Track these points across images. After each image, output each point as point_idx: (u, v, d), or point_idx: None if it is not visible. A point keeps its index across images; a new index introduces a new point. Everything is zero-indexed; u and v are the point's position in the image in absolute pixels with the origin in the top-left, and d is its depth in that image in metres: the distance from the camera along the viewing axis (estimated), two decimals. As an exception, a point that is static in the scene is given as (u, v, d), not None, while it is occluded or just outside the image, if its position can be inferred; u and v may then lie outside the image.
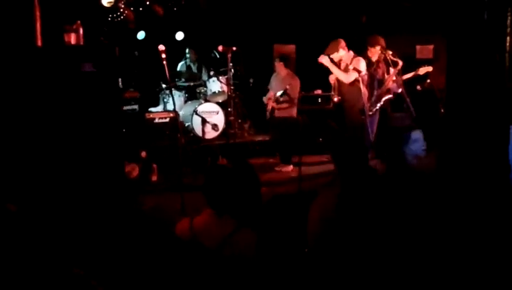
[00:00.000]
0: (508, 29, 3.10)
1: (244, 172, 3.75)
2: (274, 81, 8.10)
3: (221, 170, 3.51)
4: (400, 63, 7.19)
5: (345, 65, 7.06)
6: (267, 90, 8.17)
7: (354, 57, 7.03)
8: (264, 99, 8.11)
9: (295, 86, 7.80)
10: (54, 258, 3.18)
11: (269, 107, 7.96)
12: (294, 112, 7.88)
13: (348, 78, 6.92)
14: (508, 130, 3.30)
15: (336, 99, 7.21)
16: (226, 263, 3.03)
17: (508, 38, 3.10)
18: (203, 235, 3.15)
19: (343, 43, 7.03)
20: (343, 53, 7.01)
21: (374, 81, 7.59)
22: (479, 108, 3.22)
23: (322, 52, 7.10)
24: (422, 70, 7.88)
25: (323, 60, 6.96)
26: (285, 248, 3.78)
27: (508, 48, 3.11)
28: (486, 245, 3.34)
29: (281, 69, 7.95)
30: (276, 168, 7.89)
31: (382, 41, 7.37)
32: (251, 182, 3.73)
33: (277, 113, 7.91)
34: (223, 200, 3.25)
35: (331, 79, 7.20)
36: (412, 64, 9.05)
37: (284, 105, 7.77)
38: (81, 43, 5.20)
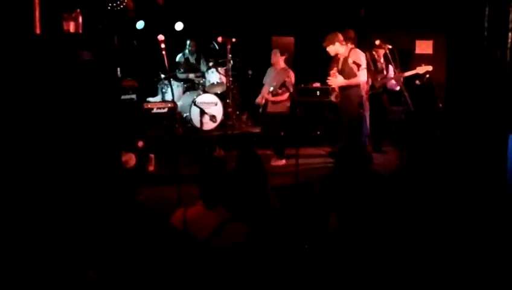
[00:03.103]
0: (510, 25, 3.08)
1: (251, 161, 3.77)
2: (270, 75, 8.02)
3: (216, 163, 3.52)
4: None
5: (342, 60, 7.04)
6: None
7: (352, 49, 7.02)
8: (258, 99, 8.03)
9: (291, 80, 7.74)
10: (51, 248, 3.19)
11: (263, 102, 7.87)
12: (287, 106, 7.82)
13: (361, 77, 6.91)
14: (508, 126, 3.30)
15: (334, 99, 7.20)
16: (214, 253, 3.05)
17: (510, 34, 3.09)
18: (195, 226, 3.17)
19: (340, 36, 7.01)
20: (339, 46, 6.99)
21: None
22: (479, 104, 3.21)
23: (320, 44, 7.09)
24: (421, 70, 7.89)
25: (333, 83, 7.04)
26: (280, 240, 3.79)
27: (509, 44, 3.10)
28: (483, 242, 3.35)
29: (277, 61, 7.88)
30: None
31: (352, 34, 7.43)
32: (257, 170, 3.75)
33: (270, 108, 7.83)
34: (216, 192, 3.26)
35: (332, 73, 7.17)
36: (411, 59, 9.07)
37: (280, 98, 7.69)
38: (80, 31, 5.17)
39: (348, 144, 7.12)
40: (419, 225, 3.66)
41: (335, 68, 7.11)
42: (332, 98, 7.23)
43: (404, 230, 3.61)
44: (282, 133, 7.91)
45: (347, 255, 3.55)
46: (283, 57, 7.86)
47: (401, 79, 7.60)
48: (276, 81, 7.70)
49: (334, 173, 6.23)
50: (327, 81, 7.22)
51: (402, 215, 3.67)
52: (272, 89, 7.56)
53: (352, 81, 6.91)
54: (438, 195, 3.60)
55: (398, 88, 7.69)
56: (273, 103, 7.72)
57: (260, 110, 7.95)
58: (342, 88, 7.09)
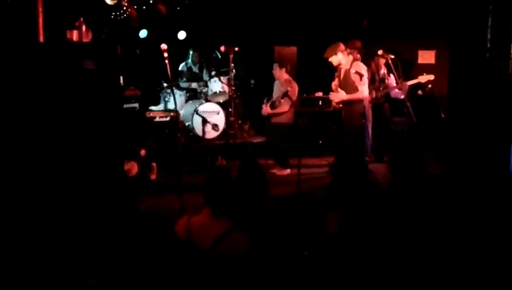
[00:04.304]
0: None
1: (252, 171, 3.77)
2: (275, 88, 8.02)
3: (221, 170, 3.53)
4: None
5: (344, 71, 7.03)
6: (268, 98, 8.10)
7: (354, 61, 7.01)
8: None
9: (295, 90, 7.70)
10: (53, 255, 3.18)
11: (265, 113, 7.90)
12: (291, 117, 7.80)
13: (363, 93, 6.91)
14: (510, 137, 3.30)
15: (336, 105, 7.18)
16: (217, 262, 3.04)
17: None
18: (198, 234, 3.17)
19: (342, 46, 6.99)
20: (341, 56, 6.97)
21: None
22: (481, 115, 3.22)
23: (322, 54, 7.09)
24: (423, 79, 7.88)
25: (336, 98, 7.03)
26: (282, 249, 3.79)
27: (512, 55, 3.11)
28: (487, 248, 3.34)
29: (279, 76, 7.85)
30: (271, 171, 7.71)
31: (358, 44, 7.41)
32: (259, 180, 3.75)
33: (274, 119, 7.83)
34: (223, 199, 3.26)
35: (334, 84, 7.17)
36: (413, 69, 9.06)
37: (279, 110, 7.69)
38: (83, 40, 5.19)
39: (348, 153, 7.12)
40: (420, 232, 3.66)
41: (336, 80, 7.10)
42: (334, 103, 7.23)
43: (405, 235, 3.60)
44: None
45: (347, 259, 3.54)
46: (283, 69, 7.84)
47: (407, 88, 7.60)
48: (279, 93, 7.69)
49: (334, 183, 6.23)
50: (329, 96, 7.22)
51: (403, 221, 3.67)
52: (273, 100, 7.58)
53: (354, 96, 6.89)
54: (442, 204, 3.60)
55: (402, 96, 7.69)
56: (275, 114, 7.72)
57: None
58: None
